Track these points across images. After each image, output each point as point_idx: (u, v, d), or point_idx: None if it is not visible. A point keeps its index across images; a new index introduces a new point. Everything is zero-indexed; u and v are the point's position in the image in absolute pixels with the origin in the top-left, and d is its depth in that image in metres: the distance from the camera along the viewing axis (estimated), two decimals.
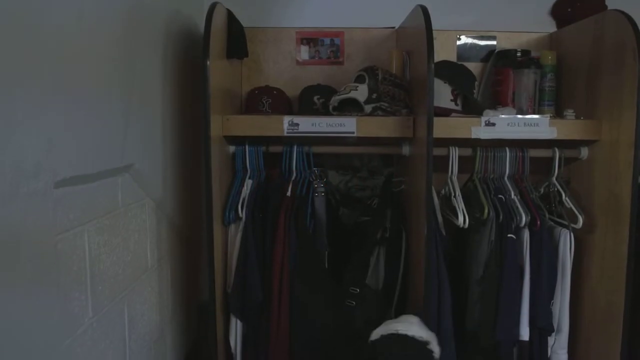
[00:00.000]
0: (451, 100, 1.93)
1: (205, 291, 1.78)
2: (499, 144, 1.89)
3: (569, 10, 2.23)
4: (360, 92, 1.82)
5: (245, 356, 1.81)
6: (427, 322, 1.66)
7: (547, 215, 1.90)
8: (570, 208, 1.87)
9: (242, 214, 1.75)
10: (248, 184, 1.81)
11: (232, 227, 1.79)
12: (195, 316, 2.16)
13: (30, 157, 0.95)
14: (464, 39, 2.23)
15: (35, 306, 0.99)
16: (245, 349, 1.81)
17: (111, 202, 1.38)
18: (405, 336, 1.51)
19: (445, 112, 1.87)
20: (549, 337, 1.89)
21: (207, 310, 1.72)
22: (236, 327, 1.80)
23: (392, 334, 1.52)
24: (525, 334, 1.83)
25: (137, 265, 1.57)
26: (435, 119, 1.62)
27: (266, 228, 1.76)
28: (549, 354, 1.91)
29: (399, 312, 1.87)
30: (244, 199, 1.77)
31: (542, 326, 1.83)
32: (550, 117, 1.87)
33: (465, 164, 1.90)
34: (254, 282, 1.72)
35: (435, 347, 1.53)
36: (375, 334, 1.54)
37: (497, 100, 2.08)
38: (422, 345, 1.51)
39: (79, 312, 1.19)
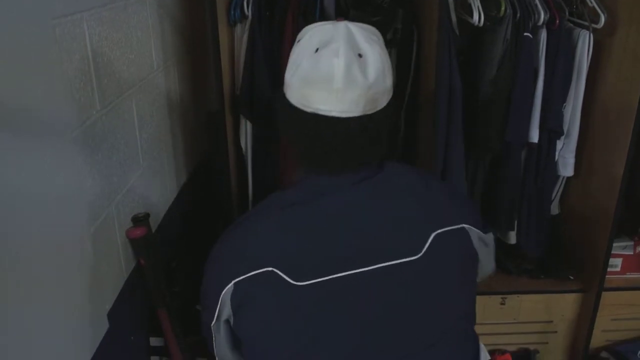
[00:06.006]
0: None
1: (214, 99, 1.76)
2: None
3: None
4: None
5: (256, 157, 1.83)
6: (438, 123, 1.67)
7: (567, 16, 1.81)
8: (593, 7, 1.77)
9: (248, 12, 1.67)
10: None
11: (239, 27, 1.72)
12: (204, 126, 2.18)
13: None
14: None
15: (38, 90, 0.97)
16: (255, 149, 1.83)
17: None
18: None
19: None
20: (557, 141, 1.89)
21: (217, 115, 1.71)
22: (246, 129, 1.81)
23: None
24: (534, 136, 1.83)
25: (143, 64, 1.53)
26: None
27: (273, 27, 1.69)
28: (556, 157, 1.93)
29: (407, 116, 1.87)
30: None
31: (552, 128, 1.82)
32: None
33: None
34: (262, 79, 1.67)
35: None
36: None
37: None
38: None
39: (86, 102, 1.18)
